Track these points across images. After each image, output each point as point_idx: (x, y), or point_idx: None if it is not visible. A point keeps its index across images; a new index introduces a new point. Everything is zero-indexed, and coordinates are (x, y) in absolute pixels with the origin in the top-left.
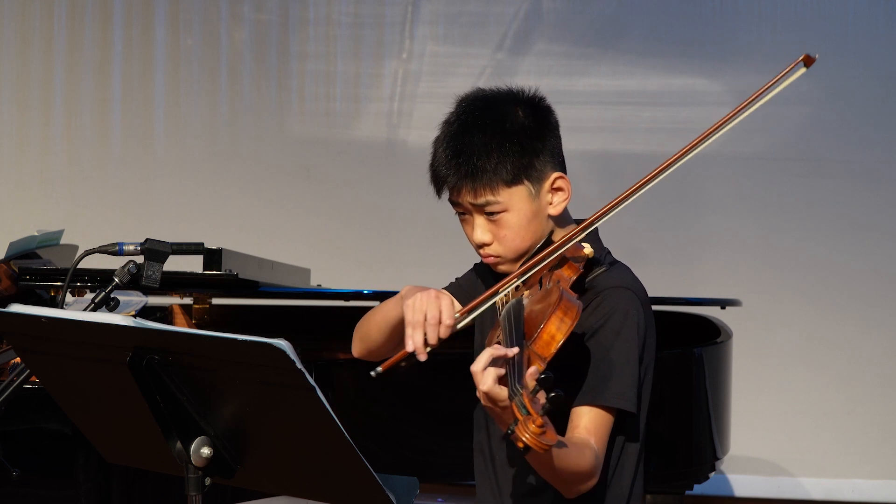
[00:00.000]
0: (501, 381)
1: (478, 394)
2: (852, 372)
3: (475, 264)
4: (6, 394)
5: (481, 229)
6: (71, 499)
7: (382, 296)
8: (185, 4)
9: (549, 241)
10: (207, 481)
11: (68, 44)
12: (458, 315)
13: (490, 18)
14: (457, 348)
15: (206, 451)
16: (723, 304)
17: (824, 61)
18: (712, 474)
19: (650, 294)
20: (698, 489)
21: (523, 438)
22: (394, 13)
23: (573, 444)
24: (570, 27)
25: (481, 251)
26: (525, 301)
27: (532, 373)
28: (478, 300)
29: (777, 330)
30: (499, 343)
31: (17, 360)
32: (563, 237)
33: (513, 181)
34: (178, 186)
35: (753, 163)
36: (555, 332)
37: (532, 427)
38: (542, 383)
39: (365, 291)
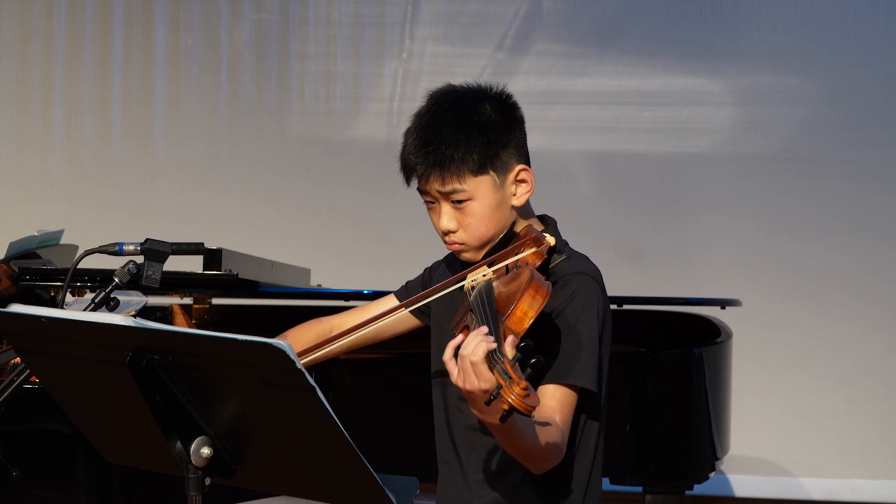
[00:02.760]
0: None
1: (459, 375)
2: (852, 372)
3: (443, 258)
4: (6, 394)
5: (447, 217)
6: (71, 499)
7: (382, 296)
8: (185, 4)
9: (511, 232)
10: (207, 481)
11: (68, 44)
12: None
13: (490, 18)
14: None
15: (206, 451)
16: (723, 304)
17: (824, 61)
18: (712, 474)
19: (651, 293)
20: (698, 489)
21: (509, 400)
22: (394, 13)
23: (540, 419)
24: (570, 27)
25: (447, 238)
26: (494, 284)
27: (510, 342)
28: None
29: (777, 330)
30: (466, 327)
31: (17, 360)
32: (525, 228)
33: (479, 170)
34: (178, 186)
35: (753, 163)
36: (527, 309)
37: (517, 390)
38: (522, 350)
39: (365, 291)
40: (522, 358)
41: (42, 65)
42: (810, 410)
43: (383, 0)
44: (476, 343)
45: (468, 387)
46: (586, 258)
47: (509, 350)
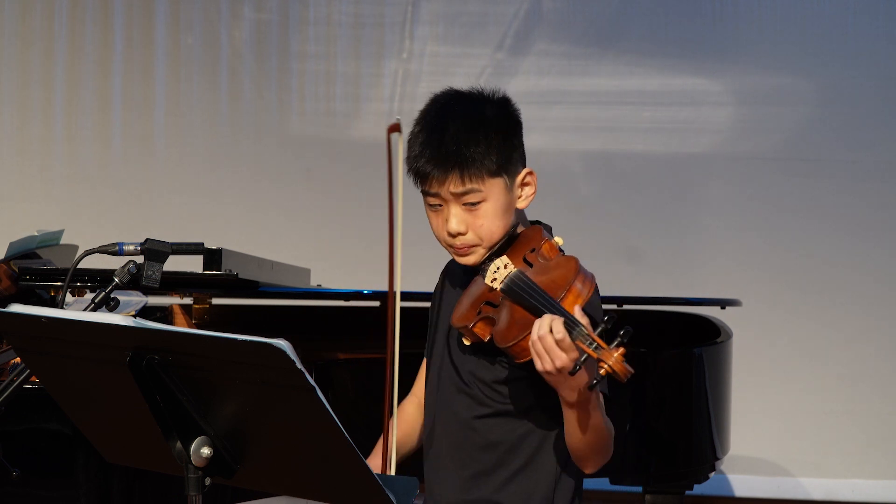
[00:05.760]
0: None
1: (545, 359)
2: (852, 372)
3: (439, 281)
4: (6, 394)
5: (457, 219)
6: (71, 499)
7: (382, 296)
8: (185, 4)
9: (514, 234)
10: (207, 481)
11: (69, 44)
12: None
13: (490, 18)
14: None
15: (206, 451)
16: (723, 304)
17: (824, 61)
18: (712, 474)
19: (650, 293)
20: (698, 489)
21: (608, 363)
22: (394, 13)
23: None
24: (570, 27)
25: (456, 241)
26: (527, 273)
27: (585, 317)
28: None
29: (777, 330)
30: (489, 318)
31: (17, 360)
32: (531, 230)
33: (495, 173)
34: (178, 186)
35: (753, 163)
36: (579, 293)
37: (616, 355)
38: (608, 322)
39: (365, 291)
40: (608, 329)
41: (43, 65)
42: (810, 410)
43: (383, 0)
44: (550, 321)
45: (558, 364)
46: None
47: (587, 322)
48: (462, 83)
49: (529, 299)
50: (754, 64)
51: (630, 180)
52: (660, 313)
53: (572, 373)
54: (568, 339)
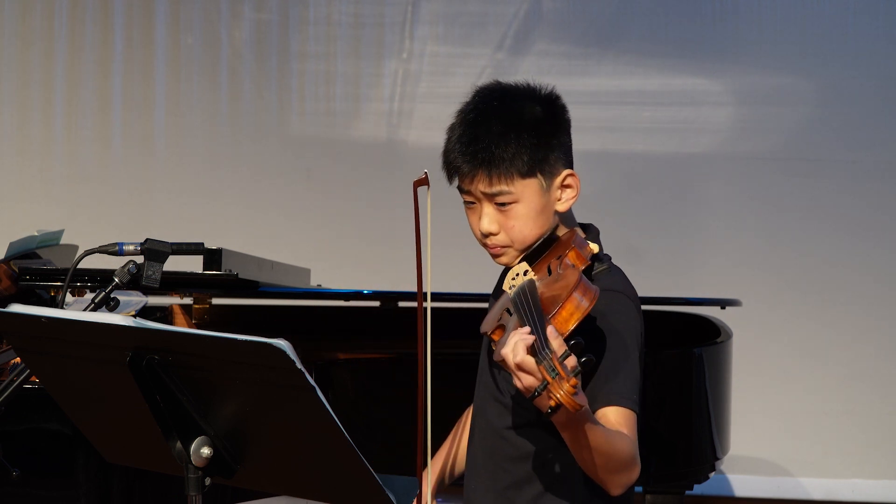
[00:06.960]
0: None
1: (516, 380)
2: (852, 372)
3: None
4: (6, 394)
5: (489, 218)
6: (71, 499)
7: (382, 296)
8: (185, 4)
9: (553, 236)
10: (207, 481)
11: (69, 44)
12: None
13: (490, 18)
14: (456, 350)
15: (206, 451)
16: (723, 304)
17: (824, 61)
18: (712, 474)
19: (650, 293)
20: (698, 489)
21: (557, 395)
22: (394, 13)
23: (607, 427)
24: (570, 27)
25: (488, 240)
26: (537, 284)
27: (557, 338)
28: None
29: (777, 330)
30: (502, 326)
31: (17, 360)
32: (568, 233)
33: (528, 173)
34: (179, 186)
35: (753, 163)
36: (574, 310)
37: (566, 386)
38: (573, 348)
39: (365, 291)
40: (572, 355)
41: (43, 65)
42: (810, 410)
43: (383, 0)
44: (514, 342)
45: (525, 383)
46: (623, 273)
47: (556, 346)
48: (462, 83)
49: (522, 312)
50: (754, 64)
51: (630, 180)
52: (660, 313)
53: (531, 398)
54: (528, 363)
